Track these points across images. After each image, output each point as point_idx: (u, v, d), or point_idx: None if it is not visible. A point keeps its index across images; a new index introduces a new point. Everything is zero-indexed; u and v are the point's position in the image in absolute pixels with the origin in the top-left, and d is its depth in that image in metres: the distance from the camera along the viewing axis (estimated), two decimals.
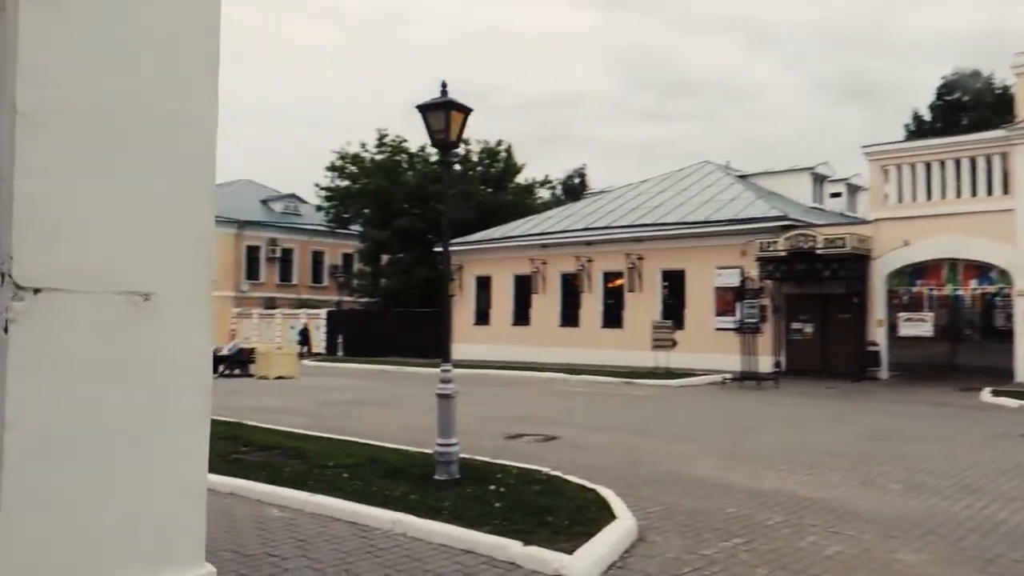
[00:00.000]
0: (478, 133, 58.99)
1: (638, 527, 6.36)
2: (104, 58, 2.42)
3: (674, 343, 23.29)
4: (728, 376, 21.18)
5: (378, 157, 41.10)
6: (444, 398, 7.90)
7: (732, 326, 22.89)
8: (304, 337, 36.17)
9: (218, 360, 24.13)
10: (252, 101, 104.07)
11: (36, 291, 2.22)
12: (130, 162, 2.45)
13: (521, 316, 30.18)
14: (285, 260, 48.24)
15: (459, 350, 31.15)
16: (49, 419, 2.24)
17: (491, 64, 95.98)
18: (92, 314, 2.33)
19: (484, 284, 31.61)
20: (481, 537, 5.73)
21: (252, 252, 47.13)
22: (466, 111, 7.99)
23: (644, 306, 26.51)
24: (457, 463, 7.79)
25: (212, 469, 7.82)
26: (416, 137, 42.86)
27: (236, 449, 9.52)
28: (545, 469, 8.29)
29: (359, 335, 34.39)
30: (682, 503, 7.42)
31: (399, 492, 7.08)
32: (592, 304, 28.21)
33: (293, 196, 51.05)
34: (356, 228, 43.17)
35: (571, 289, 28.74)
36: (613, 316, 27.68)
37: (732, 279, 24.16)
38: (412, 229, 37.72)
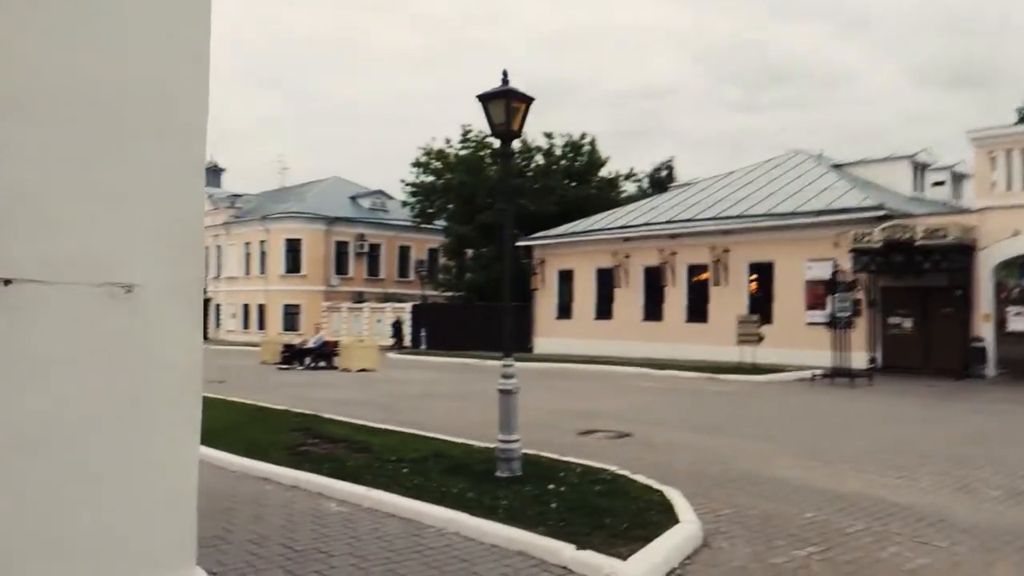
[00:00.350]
0: (562, 127, 58.63)
1: (703, 532, 6.01)
2: (85, 45, 2.30)
3: (760, 338, 22.47)
4: (818, 372, 20.27)
5: (462, 152, 41.27)
6: (505, 394, 7.70)
7: (823, 320, 21.89)
8: (396, 331, 36.70)
9: (304, 352, 24.69)
10: (341, 101, 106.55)
11: (6, 282, 2.12)
12: (112, 151, 2.33)
13: (603, 310, 29.75)
14: (373, 255, 49.14)
15: (541, 344, 31.05)
16: (20, 415, 2.14)
17: (578, 59, 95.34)
18: (67, 306, 2.22)
19: (566, 278, 31.32)
20: (534, 539, 5.51)
21: (341, 247, 48.19)
22: (527, 100, 7.75)
23: (730, 300, 25.70)
24: (519, 460, 7.58)
25: (278, 461, 8.02)
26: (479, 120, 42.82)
27: (305, 441, 9.60)
28: (612, 468, 7.99)
29: (442, 329, 34.66)
30: (755, 506, 7.01)
31: (457, 489, 6.93)
32: (676, 298, 27.55)
33: (380, 192, 51.92)
34: (440, 223, 43.53)
35: (654, 283, 28.14)
36: (697, 310, 26.95)
37: (824, 272, 23.11)
38: (495, 223, 37.68)
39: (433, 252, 47.79)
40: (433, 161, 42.46)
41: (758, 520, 6.54)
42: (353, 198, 51.73)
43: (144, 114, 2.40)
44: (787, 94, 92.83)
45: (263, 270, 48.49)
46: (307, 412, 12.44)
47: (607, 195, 40.26)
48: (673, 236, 27.57)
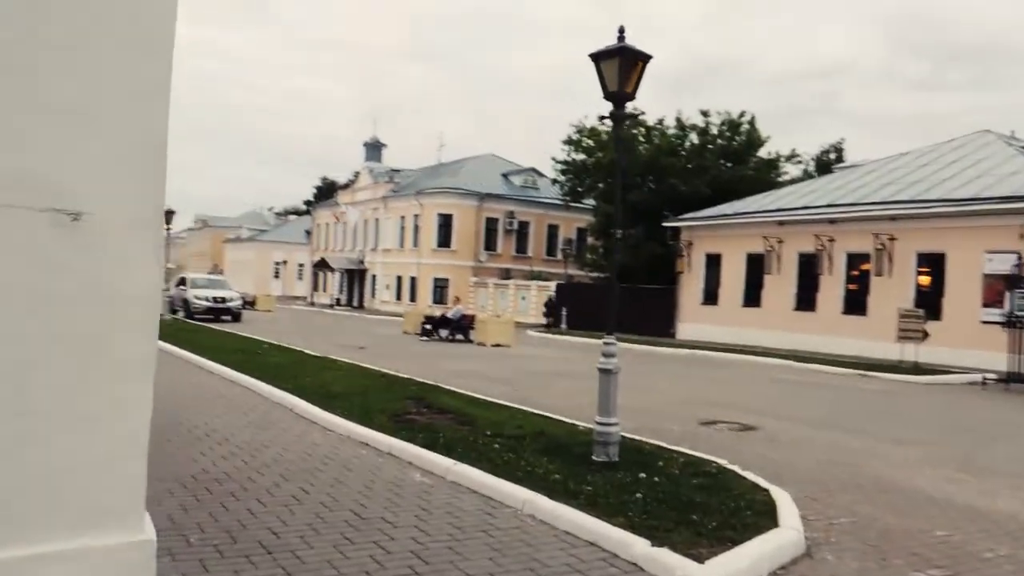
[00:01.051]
0: (721, 106, 56.34)
1: (808, 541, 5.35)
2: None
3: (925, 335, 20.51)
4: (990, 376, 18.25)
5: None
6: (605, 373, 7.25)
7: (1000, 319, 19.67)
8: (550, 309, 36.62)
9: (442, 324, 25.09)
10: (506, 74, 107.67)
11: None
12: (59, 58, 2.12)
13: (752, 297, 28.29)
14: (522, 232, 49.40)
15: (684, 330, 30.00)
16: None
17: (748, 32, 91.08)
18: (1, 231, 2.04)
19: (714, 262, 30.03)
20: (608, 530, 5.07)
21: (491, 224, 48.76)
22: (644, 59, 7.18)
23: (893, 292, 23.65)
24: (616, 445, 7.13)
25: (381, 427, 7.98)
26: (653, 110, 41.62)
27: (413, 410, 9.55)
28: (720, 461, 7.36)
29: (583, 309, 34.23)
30: (879, 518, 6.20)
31: (545, 469, 6.59)
32: (832, 288, 25.71)
33: (532, 170, 52.04)
34: (590, 203, 43.04)
35: (808, 270, 26.38)
36: (855, 302, 25.03)
37: (1004, 265, 20.77)
38: (644, 204, 36.78)
39: (581, 232, 47.39)
40: (585, 139, 41.96)
41: (877, 534, 5.77)
42: (505, 175, 52.18)
43: (99, 16, 2.17)
44: (976, 72, 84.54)
45: (416, 243, 49.92)
46: (427, 382, 12.44)
47: (765, 177, 38.22)
48: (832, 221, 25.70)
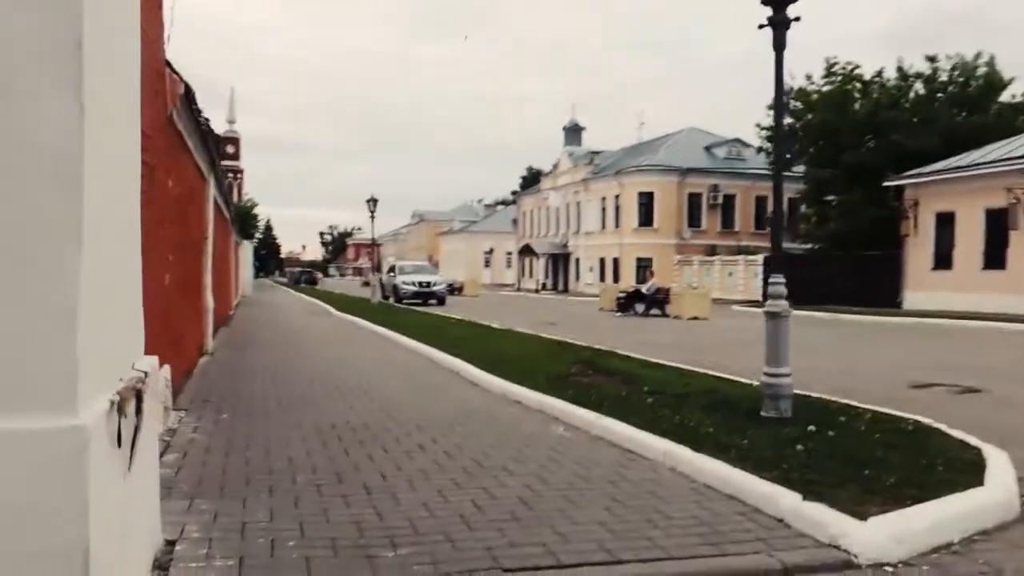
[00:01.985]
0: (956, 52, 50.57)
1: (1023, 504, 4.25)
2: None
3: None
4: None
5: (825, 89, 37.31)
6: (772, 317, 6.34)
7: None
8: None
9: (637, 298, 24.34)
10: (702, 59, 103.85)
11: None
12: None
13: (994, 258, 24.79)
14: (727, 206, 47.19)
15: (913, 299, 27.09)
16: None
17: None
18: None
19: (946, 221, 26.70)
20: (755, 483, 4.29)
21: (693, 199, 47.00)
22: None
23: None
24: (789, 399, 6.21)
25: (538, 387, 7.58)
26: (871, 63, 37.78)
27: (578, 372, 9.08)
28: (924, 420, 6.21)
29: (796, 282, 31.77)
30: None
31: (700, 424, 5.85)
32: None
33: (737, 141, 49.51)
34: (799, 171, 40.08)
35: None
36: None
37: None
38: (862, 165, 33.56)
39: (793, 202, 44.23)
40: (793, 101, 39.04)
41: None
42: (708, 148, 50.07)
43: None
44: None
45: (617, 224, 49.24)
46: (602, 348, 11.92)
47: (1012, 122, 33.45)
48: None
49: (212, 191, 11.67)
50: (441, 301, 31.80)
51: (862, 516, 3.71)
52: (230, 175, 66.63)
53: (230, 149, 71.75)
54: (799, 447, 5.00)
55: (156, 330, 5.91)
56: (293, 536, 3.64)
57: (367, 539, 3.61)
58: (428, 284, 32.04)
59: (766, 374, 6.29)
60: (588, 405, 6.74)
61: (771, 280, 6.52)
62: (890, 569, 3.44)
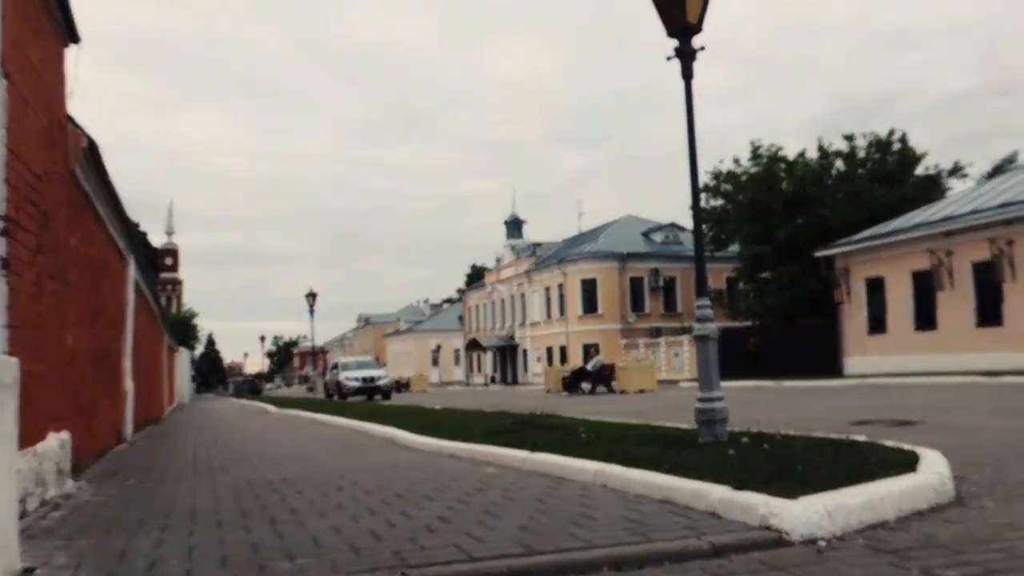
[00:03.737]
0: (869, 129, 53.46)
1: (959, 493, 4.14)
2: None
3: None
4: None
5: (752, 170, 38.87)
6: (702, 341, 6.27)
7: None
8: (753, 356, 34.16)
9: (583, 376, 24.22)
10: (649, 145, 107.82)
11: None
12: None
13: (924, 318, 25.50)
14: (668, 288, 47.98)
15: (853, 364, 27.54)
16: None
17: (907, 63, 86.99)
18: None
19: (876, 286, 27.51)
20: (685, 484, 4.10)
21: (635, 284, 47.68)
22: None
23: None
24: (724, 424, 6.08)
25: (468, 439, 7.35)
26: (793, 143, 39.61)
27: (512, 428, 8.85)
28: (859, 438, 6.13)
29: (738, 356, 32.06)
30: None
31: (634, 451, 5.66)
32: (1019, 297, 22.70)
33: (672, 225, 50.89)
34: (734, 249, 41.22)
35: (987, 281, 23.50)
36: None
37: None
38: (793, 239, 34.72)
39: (731, 281, 45.30)
40: (723, 184, 40.51)
41: None
42: (645, 234, 51.26)
43: None
44: None
45: (562, 312, 49.55)
46: (544, 412, 11.69)
47: (928, 195, 35.11)
48: (1009, 222, 22.90)
49: (133, 273, 11.34)
50: (386, 395, 31.22)
51: (793, 497, 3.54)
52: (168, 286, 65.83)
53: (168, 261, 71.14)
54: (731, 452, 4.86)
55: (54, 387, 5.55)
56: (178, 556, 3.30)
57: (263, 555, 3.29)
58: (372, 379, 31.49)
59: (699, 400, 6.17)
60: (522, 447, 6.52)
61: (697, 305, 6.47)
62: (823, 543, 3.25)
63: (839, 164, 37.29)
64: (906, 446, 5.37)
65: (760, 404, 14.09)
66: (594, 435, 7.19)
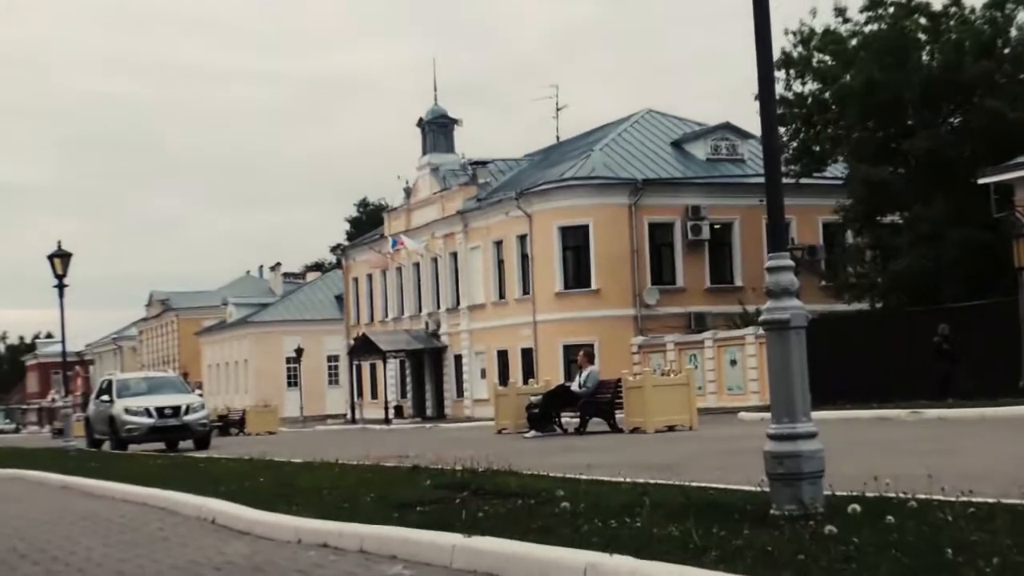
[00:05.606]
0: None
1: None
2: None
3: None
4: None
5: (870, 29, 39.36)
6: (777, 329, 6.38)
7: None
8: (946, 358, 34.52)
9: (562, 403, 24.45)
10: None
11: None
12: None
13: None
14: (719, 243, 48.08)
15: None
16: None
17: None
18: None
19: None
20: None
21: (659, 235, 47.88)
22: None
23: None
24: (817, 481, 6.27)
25: (357, 516, 7.49)
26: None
27: (435, 499, 9.26)
28: None
29: (844, 362, 32.53)
30: None
31: (659, 531, 5.87)
32: None
33: (725, 128, 51.23)
34: (837, 172, 41.92)
35: None
36: None
37: None
38: (940, 154, 35.35)
39: (833, 229, 45.89)
40: (815, 55, 40.95)
41: None
42: (677, 144, 51.58)
43: None
44: None
45: (526, 287, 49.75)
46: (494, 468, 12.03)
47: None
48: None
49: None
50: (202, 441, 31.24)
51: None
52: None
53: None
54: (830, 531, 5.03)
55: None
56: None
57: None
58: (176, 411, 31.34)
59: (772, 436, 6.34)
60: (451, 528, 6.86)
61: (770, 266, 6.55)
62: None
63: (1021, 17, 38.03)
64: None
65: (882, 447, 14.21)
66: (583, 504, 7.50)
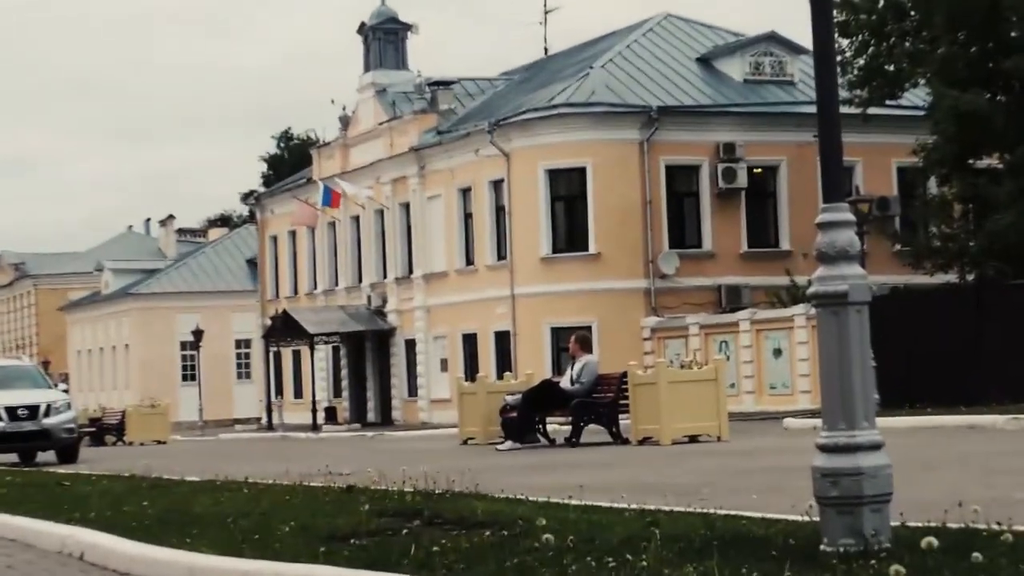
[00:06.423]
0: None
1: None
2: None
3: None
4: None
5: None
6: (831, 305, 6.42)
7: None
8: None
9: (552, 404, 24.52)
10: None
11: None
12: None
13: None
14: (757, 193, 48.35)
15: None
16: None
17: None
18: None
19: None
20: None
21: (678, 179, 48.09)
22: None
23: None
24: (883, 507, 6.29)
25: (271, 552, 7.68)
26: None
27: (378, 528, 9.49)
28: None
29: (918, 356, 32.79)
30: None
31: (668, 571, 5.92)
32: None
33: (769, 39, 51.37)
34: (915, 100, 42.08)
35: None
36: None
37: None
38: None
39: (909, 176, 46.14)
40: None
41: None
42: (705, 61, 51.70)
43: None
44: None
45: (501, 252, 49.82)
46: (457, 490, 12.30)
47: None
48: None
49: None
50: (67, 453, 31.31)
51: None
52: None
53: None
54: (896, 571, 5.05)
55: None
56: None
57: None
58: (30, 412, 31.33)
59: (823, 447, 6.35)
60: (398, 569, 6.93)
61: (823, 216, 6.59)
62: None
63: None
64: None
65: (970, 463, 14.39)
66: (572, 537, 7.67)
